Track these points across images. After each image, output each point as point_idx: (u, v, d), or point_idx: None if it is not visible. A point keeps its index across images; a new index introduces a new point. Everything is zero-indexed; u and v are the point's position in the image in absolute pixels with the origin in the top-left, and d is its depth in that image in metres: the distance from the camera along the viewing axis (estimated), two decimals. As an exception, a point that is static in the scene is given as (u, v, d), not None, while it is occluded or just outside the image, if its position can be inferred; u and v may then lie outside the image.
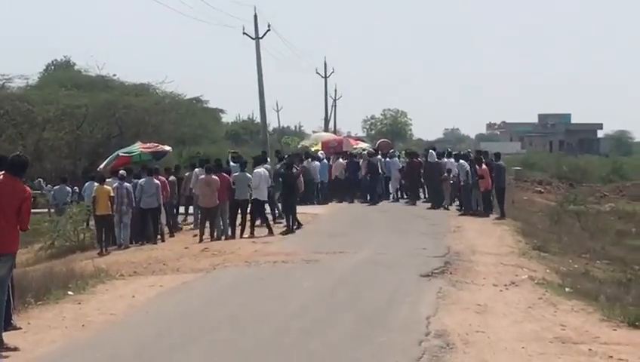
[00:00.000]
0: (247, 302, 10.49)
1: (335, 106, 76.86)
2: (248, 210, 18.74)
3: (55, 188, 26.07)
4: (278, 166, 21.64)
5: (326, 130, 63.79)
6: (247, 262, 13.99)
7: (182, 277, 12.74)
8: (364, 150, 31.28)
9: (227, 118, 71.26)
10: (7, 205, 8.15)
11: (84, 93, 41.67)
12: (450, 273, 12.59)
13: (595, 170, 51.71)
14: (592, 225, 25.07)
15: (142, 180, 18.71)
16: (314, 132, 61.37)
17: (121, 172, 18.87)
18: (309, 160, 26.60)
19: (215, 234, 18.29)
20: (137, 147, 23.07)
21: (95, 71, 46.39)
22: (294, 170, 20.16)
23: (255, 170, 18.79)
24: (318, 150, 31.57)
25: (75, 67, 54.48)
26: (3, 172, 8.34)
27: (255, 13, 40.04)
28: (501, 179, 22.12)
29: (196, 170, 20.75)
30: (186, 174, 21.74)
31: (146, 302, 10.70)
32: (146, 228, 18.63)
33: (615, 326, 9.04)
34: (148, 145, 23.70)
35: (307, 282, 11.82)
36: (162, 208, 19.15)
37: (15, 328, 8.72)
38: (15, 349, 8.03)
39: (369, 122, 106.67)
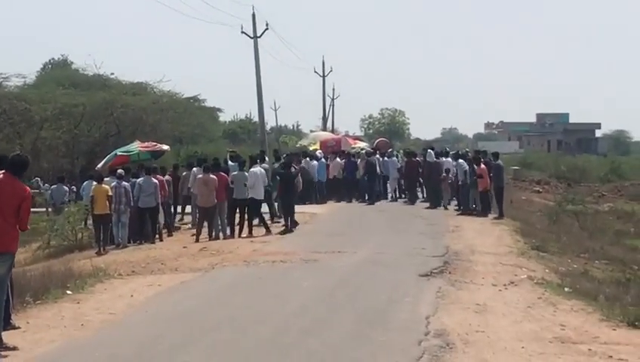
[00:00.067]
0: (246, 301, 10.47)
1: (333, 105, 76.93)
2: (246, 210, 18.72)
3: (52, 187, 26.02)
4: (277, 165, 21.58)
5: (324, 129, 63.81)
6: (246, 262, 13.97)
7: (180, 277, 12.72)
8: (362, 149, 31.28)
9: (225, 117, 71.42)
10: (7, 204, 8.13)
11: (82, 92, 41.62)
12: (450, 273, 12.58)
13: (594, 170, 51.76)
14: (590, 225, 25.11)
15: (140, 179, 18.68)
16: (312, 131, 61.48)
17: (120, 171, 18.82)
18: (307, 159, 26.60)
19: (213, 233, 18.27)
20: (136, 146, 23.03)
21: (93, 70, 46.44)
22: (292, 169, 20.14)
23: (251, 169, 18.74)
24: (316, 149, 31.58)
25: (73, 66, 54.43)
26: (3, 171, 8.32)
27: (253, 12, 40.10)
28: (500, 178, 22.11)
29: (194, 169, 20.71)
30: (184, 174, 21.70)
31: (145, 301, 10.68)
32: (144, 227, 18.60)
33: (615, 326, 9.04)
34: (146, 144, 23.65)
35: (306, 282, 11.80)
36: (160, 207, 19.11)
37: (14, 327, 8.71)
38: (14, 348, 8.02)
39: (367, 121, 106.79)
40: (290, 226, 18.75)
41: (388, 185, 27.97)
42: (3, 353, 7.89)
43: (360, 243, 16.21)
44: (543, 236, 18.90)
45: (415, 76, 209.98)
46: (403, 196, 27.73)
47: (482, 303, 10.17)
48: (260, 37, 40.19)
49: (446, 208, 23.97)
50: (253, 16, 40.12)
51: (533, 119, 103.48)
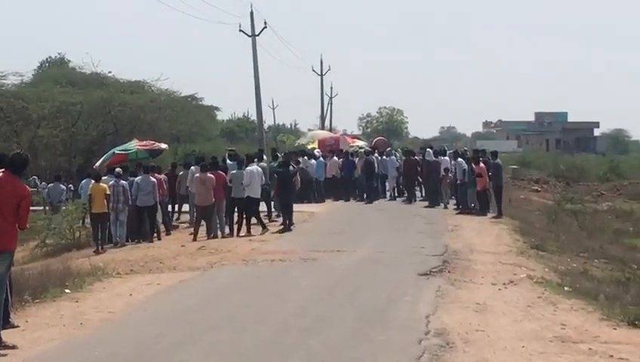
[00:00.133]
0: (245, 300, 10.45)
1: (331, 104, 76.97)
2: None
3: (49, 186, 25.96)
4: (275, 164, 21.53)
5: (322, 127, 63.84)
6: (245, 261, 13.94)
7: (179, 276, 12.69)
8: (360, 148, 31.25)
9: (222, 116, 71.36)
10: (7, 203, 8.10)
11: (79, 91, 41.51)
12: (449, 272, 12.57)
13: (592, 169, 51.74)
14: (589, 224, 25.10)
15: (138, 178, 18.64)
16: (310, 130, 61.47)
17: (118, 170, 18.77)
18: (305, 158, 26.57)
19: (212, 233, 18.23)
20: (134, 145, 22.96)
21: (90, 68, 46.34)
22: (291, 168, 20.10)
23: (247, 168, 18.65)
24: (314, 148, 31.57)
25: (70, 64, 54.35)
26: (3, 170, 8.29)
27: (252, 11, 40.14)
28: (499, 177, 22.11)
29: (192, 168, 20.68)
30: (180, 173, 21.65)
31: (144, 300, 10.65)
32: (143, 226, 18.56)
33: (615, 325, 9.04)
34: (144, 142, 23.58)
35: (305, 281, 11.78)
36: (159, 206, 19.07)
37: (13, 326, 8.68)
38: (13, 347, 7.99)
39: (365, 120, 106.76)
40: (289, 225, 18.72)
41: (387, 183, 27.93)
42: (2, 351, 7.86)
43: (359, 242, 16.19)
44: (542, 235, 18.91)
45: (413, 75, 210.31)
46: (402, 195, 27.70)
47: (482, 302, 10.16)
48: (258, 35, 40.22)
49: (445, 207, 23.95)
50: (252, 14, 40.17)
51: (531, 118, 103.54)
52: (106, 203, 17.61)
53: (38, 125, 38.32)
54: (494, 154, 23.10)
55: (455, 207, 23.61)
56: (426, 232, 17.99)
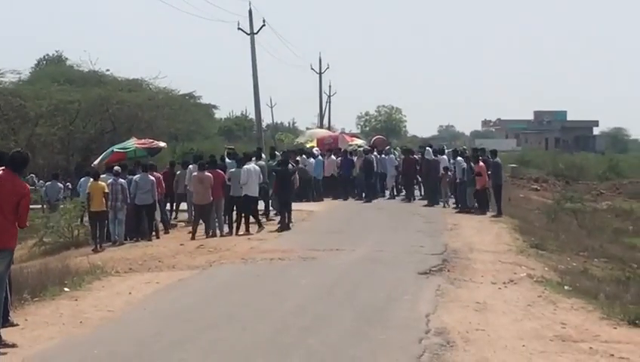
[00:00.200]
0: (244, 299, 10.43)
1: (329, 102, 76.96)
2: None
3: (47, 184, 25.93)
4: (275, 163, 21.49)
5: (320, 126, 63.80)
6: (244, 259, 13.92)
7: (178, 274, 12.66)
8: (359, 147, 31.22)
9: (220, 114, 71.28)
10: (6, 202, 8.07)
11: (77, 89, 41.36)
12: (449, 271, 12.56)
13: (592, 168, 51.64)
14: (589, 223, 25.09)
15: (136, 176, 18.61)
16: (308, 128, 61.43)
17: (116, 168, 18.74)
18: (304, 157, 26.53)
19: (210, 231, 18.20)
20: (132, 143, 22.93)
21: (88, 66, 46.21)
22: (290, 167, 20.06)
23: (244, 166, 18.59)
24: (313, 147, 31.54)
25: (67, 62, 54.22)
26: (3, 168, 8.25)
27: (250, 9, 40.12)
28: (498, 176, 22.08)
29: (190, 166, 20.64)
30: (178, 173, 21.59)
31: (143, 298, 10.62)
32: (141, 224, 18.52)
33: (615, 324, 9.03)
34: (143, 141, 23.56)
35: (305, 279, 11.76)
36: (157, 205, 19.03)
37: (12, 324, 8.66)
38: (13, 345, 7.97)
39: (363, 119, 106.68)
40: (287, 223, 18.69)
41: (386, 182, 27.89)
42: (2, 350, 7.84)
43: (358, 241, 16.17)
44: (542, 234, 18.89)
45: (412, 73, 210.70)
46: (400, 194, 27.66)
47: (482, 301, 10.15)
48: (256, 33, 40.23)
49: (445, 206, 23.93)
50: (250, 12, 40.17)
51: (530, 116, 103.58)
52: (104, 201, 17.57)
53: (35, 123, 38.22)
54: (494, 152, 23.08)
55: (454, 205, 23.59)
56: (426, 231, 17.97)
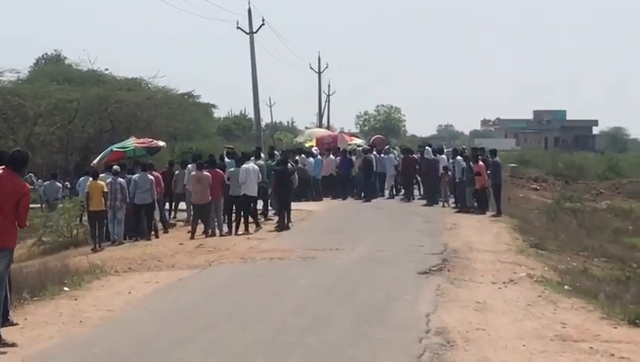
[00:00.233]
0: (244, 298, 10.43)
1: (328, 102, 76.97)
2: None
3: (45, 183, 25.89)
4: (274, 162, 21.45)
5: (319, 125, 63.80)
6: (243, 259, 13.91)
7: (177, 274, 12.65)
8: (358, 146, 31.19)
9: (219, 114, 71.27)
10: (6, 201, 8.05)
11: (76, 88, 41.34)
12: (448, 270, 12.55)
13: (591, 167, 51.56)
14: (588, 223, 25.06)
15: (136, 176, 18.58)
16: (307, 128, 61.42)
17: (115, 167, 18.72)
18: (303, 156, 26.50)
19: (210, 231, 18.18)
20: (131, 142, 22.91)
21: (87, 65, 46.19)
22: (289, 166, 20.04)
23: (243, 166, 18.56)
24: (312, 146, 31.50)
25: (66, 61, 54.17)
26: (3, 167, 8.23)
27: (249, 8, 40.06)
28: (498, 176, 22.06)
29: (189, 165, 20.62)
30: (176, 173, 21.55)
31: (143, 298, 10.61)
32: (140, 224, 18.49)
33: (615, 324, 9.02)
34: (142, 140, 23.54)
35: (304, 279, 11.75)
36: (156, 204, 19.01)
37: (12, 324, 8.65)
38: (13, 345, 7.96)
39: (362, 118, 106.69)
40: (287, 223, 18.68)
41: (385, 182, 27.86)
42: (2, 349, 7.83)
43: (357, 241, 16.16)
44: (542, 234, 18.87)
45: (411, 73, 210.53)
46: (400, 193, 27.64)
47: (482, 301, 10.13)
48: (255, 33, 40.18)
49: (444, 206, 23.91)
50: (249, 11, 40.11)
51: (530, 116, 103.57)
52: (103, 201, 17.55)
53: (34, 122, 38.19)
54: (493, 152, 23.05)
55: (454, 205, 23.58)
56: (425, 231, 17.96)
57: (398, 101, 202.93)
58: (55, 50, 60.85)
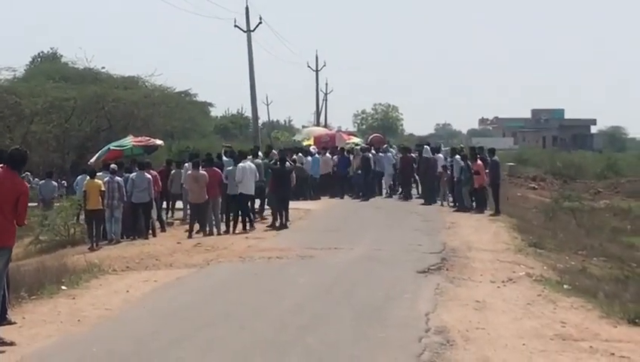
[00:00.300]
0: (242, 297, 10.40)
1: (326, 100, 76.96)
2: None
3: (41, 182, 25.82)
4: (272, 161, 21.41)
5: (317, 124, 63.80)
6: (241, 258, 13.88)
7: (176, 273, 12.62)
8: (356, 145, 31.17)
9: (216, 112, 71.27)
10: (5, 200, 8.03)
11: (72, 86, 41.30)
12: (447, 269, 12.51)
13: (590, 166, 51.51)
14: (587, 222, 25.01)
15: (133, 174, 18.52)
16: (304, 127, 61.45)
17: (113, 166, 18.66)
18: (300, 155, 26.47)
19: (207, 230, 18.14)
20: (129, 141, 22.87)
21: (83, 63, 46.12)
22: (287, 165, 20.00)
23: (239, 165, 18.51)
24: (310, 145, 31.46)
25: (63, 59, 54.12)
26: (2, 165, 8.20)
27: (247, 6, 40.02)
28: (496, 175, 22.03)
29: (186, 164, 20.57)
30: (172, 172, 21.49)
31: (141, 297, 10.58)
32: (138, 222, 18.44)
33: (615, 323, 8.99)
34: (139, 138, 23.50)
35: (303, 278, 11.72)
36: (154, 203, 18.96)
37: (10, 323, 8.63)
38: (11, 344, 7.94)
39: (360, 117, 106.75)
40: (285, 222, 18.64)
41: (383, 181, 27.83)
42: (1, 348, 7.82)
43: (356, 240, 16.14)
44: (540, 233, 18.84)
45: (409, 71, 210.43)
46: (398, 192, 27.61)
47: (481, 300, 10.10)
48: (253, 31, 40.17)
49: (442, 205, 23.89)
50: (247, 9, 40.09)
51: (528, 115, 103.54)
52: (100, 199, 17.50)
53: (31, 121, 38.13)
54: (492, 151, 23.03)
55: (452, 204, 23.55)
56: (423, 230, 17.94)
57: (396, 100, 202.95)
58: (51, 49, 60.95)
